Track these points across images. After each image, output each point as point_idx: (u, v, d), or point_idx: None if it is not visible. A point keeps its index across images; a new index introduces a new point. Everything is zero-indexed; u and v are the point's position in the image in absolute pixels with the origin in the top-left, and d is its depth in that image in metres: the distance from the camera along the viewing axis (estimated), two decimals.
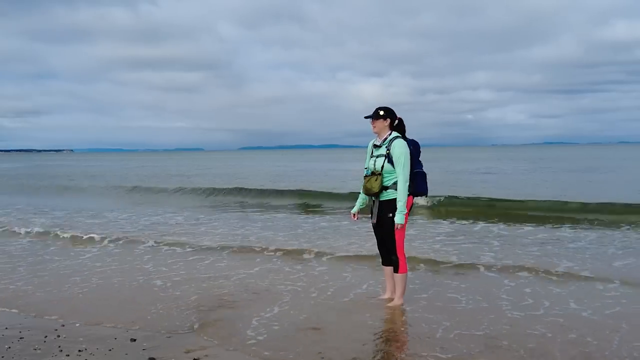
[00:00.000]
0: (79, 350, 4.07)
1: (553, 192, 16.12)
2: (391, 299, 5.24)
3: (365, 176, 5.06)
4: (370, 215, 5.18)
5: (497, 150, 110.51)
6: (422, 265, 6.98)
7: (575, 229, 9.92)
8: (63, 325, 4.67)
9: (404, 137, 5.04)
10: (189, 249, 8.36)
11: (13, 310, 5.25)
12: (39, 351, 4.08)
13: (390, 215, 4.93)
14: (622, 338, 4.32)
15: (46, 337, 4.37)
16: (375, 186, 4.93)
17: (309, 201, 15.82)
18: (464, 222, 10.92)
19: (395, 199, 4.90)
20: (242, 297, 5.64)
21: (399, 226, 4.90)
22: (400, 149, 4.87)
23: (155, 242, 8.90)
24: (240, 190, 18.75)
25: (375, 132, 5.06)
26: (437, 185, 15.79)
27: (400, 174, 4.85)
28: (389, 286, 5.30)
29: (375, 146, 5.07)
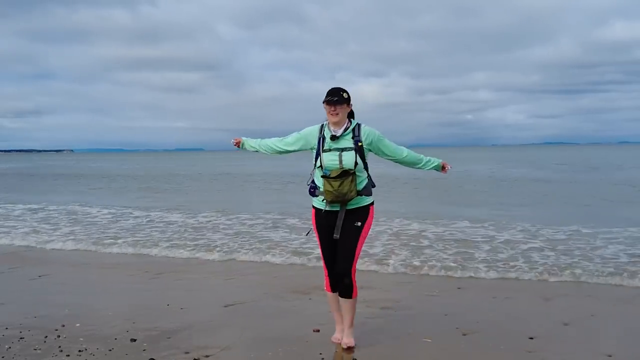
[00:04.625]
0: (79, 351, 4.06)
1: None
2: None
3: (328, 177, 3.88)
4: (312, 227, 4.17)
5: (498, 151, 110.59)
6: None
7: None
8: (63, 326, 4.66)
9: None
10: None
11: (14, 310, 5.24)
12: (39, 351, 4.07)
13: (359, 224, 3.97)
14: None
15: (46, 337, 4.37)
16: (352, 189, 3.88)
17: None
18: None
19: (366, 205, 4.02)
20: (240, 296, 5.65)
21: (449, 167, 4.18)
22: (375, 132, 4.01)
23: None
24: None
25: (336, 122, 3.96)
26: None
27: (395, 146, 4.06)
28: (341, 320, 4.21)
29: (333, 137, 3.95)
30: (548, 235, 9.15)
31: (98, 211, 13.59)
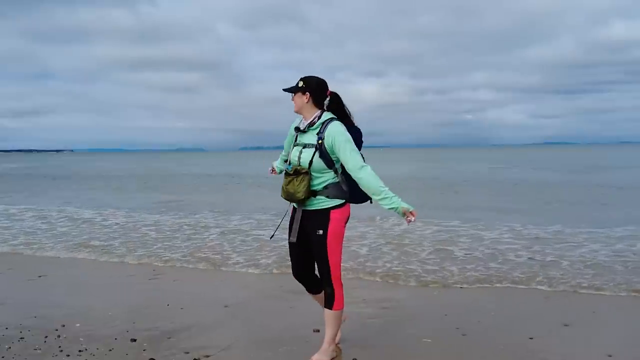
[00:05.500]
0: (79, 351, 4.06)
1: None
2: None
3: (287, 174, 3.60)
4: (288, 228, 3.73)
5: (498, 151, 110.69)
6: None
7: None
8: (63, 326, 4.66)
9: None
10: None
11: (14, 310, 5.24)
12: (39, 351, 4.07)
13: (321, 232, 3.51)
14: None
15: (46, 337, 4.37)
16: (300, 191, 3.46)
17: None
18: None
19: (328, 208, 3.52)
20: (239, 296, 5.64)
21: (412, 218, 3.42)
22: (340, 135, 3.44)
23: None
24: None
25: (296, 112, 3.65)
26: None
27: (354, 160, 3.42)
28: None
29: (298, 130, 3.64)
30: (547, 236, 9.16)
31: (96, 211, 13.61)
